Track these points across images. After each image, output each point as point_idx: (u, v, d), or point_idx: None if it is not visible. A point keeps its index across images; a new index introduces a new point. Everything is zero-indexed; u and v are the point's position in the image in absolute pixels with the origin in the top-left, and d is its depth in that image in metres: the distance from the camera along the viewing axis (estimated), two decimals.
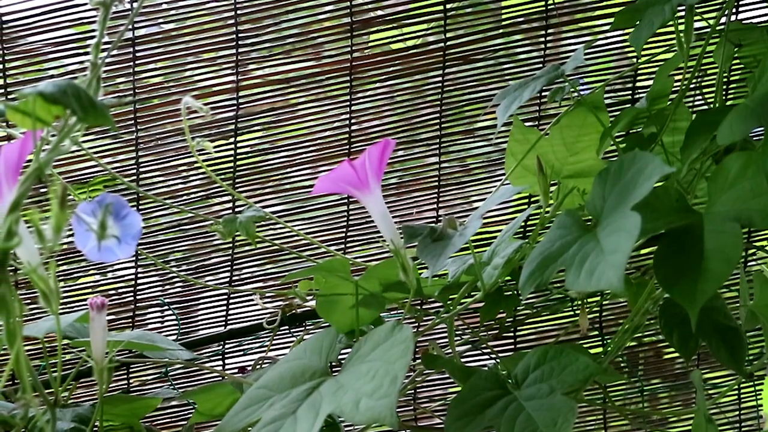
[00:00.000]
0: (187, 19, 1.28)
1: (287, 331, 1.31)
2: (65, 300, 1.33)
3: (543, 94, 1.28)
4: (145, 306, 1.38)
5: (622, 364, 1.42)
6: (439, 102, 1.32)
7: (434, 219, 1.36)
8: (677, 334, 1.04)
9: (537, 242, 0.88)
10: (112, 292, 1.36)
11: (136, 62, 1.26)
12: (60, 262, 1.32)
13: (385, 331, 0.84)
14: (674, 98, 1.11)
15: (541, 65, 1.30)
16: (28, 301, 1.25)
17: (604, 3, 1.30)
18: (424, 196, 1.36)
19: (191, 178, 1.33)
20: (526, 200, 1.34)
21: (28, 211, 0.69)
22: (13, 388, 1.07)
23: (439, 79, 1.31)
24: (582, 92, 1.11)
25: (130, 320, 1.36)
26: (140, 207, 1.30)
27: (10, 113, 0.70)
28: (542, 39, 1.31)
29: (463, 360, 1.30)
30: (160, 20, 1.29)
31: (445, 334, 1.17)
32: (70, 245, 0.99)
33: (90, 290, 1.36)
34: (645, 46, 1.07)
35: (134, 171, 1.30)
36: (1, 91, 1.25)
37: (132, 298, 1.36)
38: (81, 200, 0.84)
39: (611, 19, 1.26)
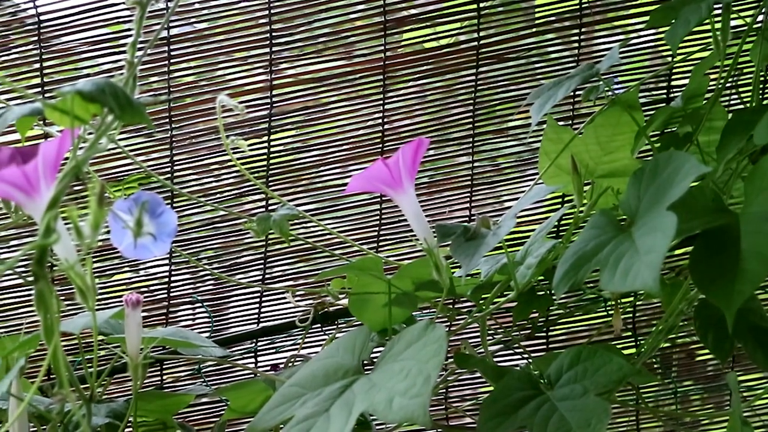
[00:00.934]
0: (220, 19, 1.29)
1: (320, 329, 1.32)
2: (99, 297, 1.34)
3: (576, 93, 1.28)
4: (179, 303, 1.39)
5: (655, 366, 1.41)
6: (471, 101, 1.32)
7: (466, 218, 1.35)
8: (712, 335, 1.03)
9: (571, 242, 0.88)
10: (145, 289, 1.37)
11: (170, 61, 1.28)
12: (94, 259, 1.33)
13: (418, 330, 0.84)
14: (710, 97, 1.10)
15: (573, 64, 1.29)
16: (64, 297, 1.27)
17: (638, 1, 1.29)
18: (455, 196, 1.36)
19: (224, 177, 1.34)
20: (560, 200, 1.34)
21: (66, 208, 0.70)
22: (49, 383, 1.09)
23: (472, 78, 1.31)
24: (616, 91, 1.10)
25: (163, 317, 1.37)
26: (174, 205, 1.31)
27: (49, 111, 0.70)
28: (575, 38, 1.30)
29: (495, 360, 1.29)
30: (194, 20, 1.30)
31: (478, 334, 1.16)
32: (104, 242, 0.99)
33: (124, 287, 1.37)
34: (680, 45, 1.06)
35: (169, 169, 1.31)
36: (39, 89, 1.26)
37: (165, 295, 1.37)
38: (117, 198, 0.84)
39: (644, 18, 1.26)
